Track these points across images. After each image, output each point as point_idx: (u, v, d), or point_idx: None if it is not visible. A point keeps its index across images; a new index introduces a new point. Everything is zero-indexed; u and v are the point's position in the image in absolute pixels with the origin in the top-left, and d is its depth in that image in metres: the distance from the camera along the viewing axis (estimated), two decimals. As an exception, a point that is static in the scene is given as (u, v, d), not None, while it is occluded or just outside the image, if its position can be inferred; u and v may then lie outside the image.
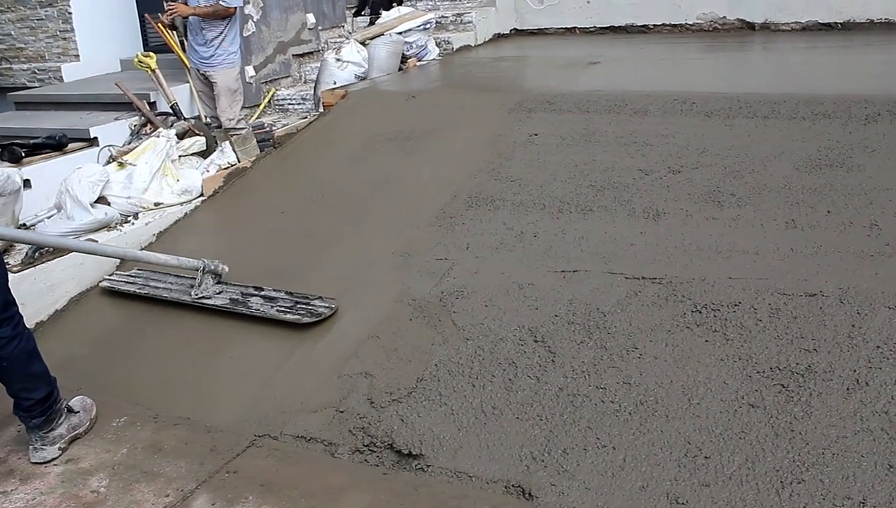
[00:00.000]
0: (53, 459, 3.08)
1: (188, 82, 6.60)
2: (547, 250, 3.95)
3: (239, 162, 5.50)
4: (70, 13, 7.93)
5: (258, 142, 5.67)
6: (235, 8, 6.01)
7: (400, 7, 7.96)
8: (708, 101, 5.09)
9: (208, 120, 6.38)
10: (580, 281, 3.67)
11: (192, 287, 4.14)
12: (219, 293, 4.10)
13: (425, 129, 5.42)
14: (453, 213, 4.40)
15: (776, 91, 5.20)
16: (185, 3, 5.99)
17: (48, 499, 2.81)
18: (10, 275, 4.12)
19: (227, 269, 4.19)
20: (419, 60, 7.32)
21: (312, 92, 7.03)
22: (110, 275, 4.48)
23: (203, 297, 4.07)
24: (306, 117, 6.39)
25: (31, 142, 5.51)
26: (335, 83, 6.66)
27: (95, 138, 5.82)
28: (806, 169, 4.27)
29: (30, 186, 5.10)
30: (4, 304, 3.08)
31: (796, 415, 2.82)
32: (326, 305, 3.82)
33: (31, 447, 3.13)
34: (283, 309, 3.84)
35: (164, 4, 6.17)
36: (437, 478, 2.82)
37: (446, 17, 8.28)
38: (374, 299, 3.83)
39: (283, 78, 7.58)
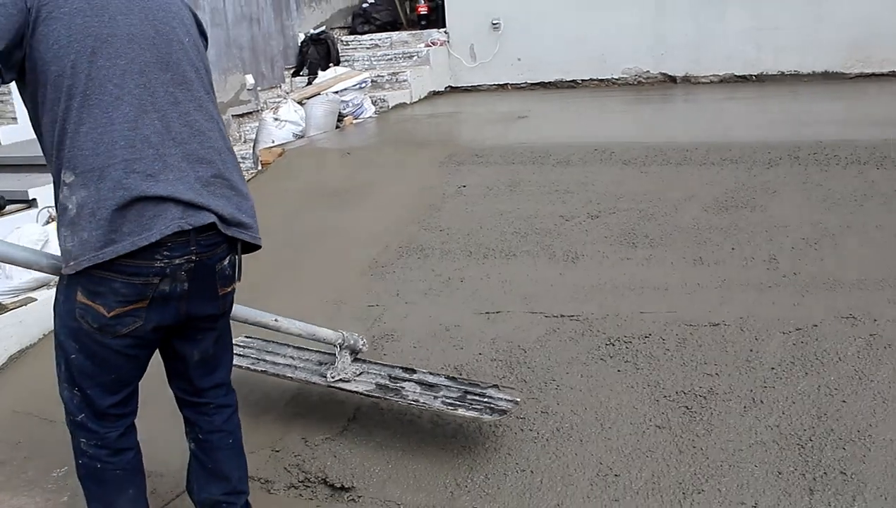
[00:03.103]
0: None
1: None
2: (472, 294, 4.17)
3: (179, 220, 5.64)
4: (7, 76, 8.03)
5: (198, 200, 5.83)
6: None
7: (336, 67, 8.25)
8: (626, 151, 5.42)
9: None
10: (503, 321, 3.89)
11: (321, 364, 3.48)
12: (358, 374, 3.37)
13: (359, 184, 5.65)
14: (385, 263, 4.61)
15: (689, 139, 5.55)
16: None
17: None
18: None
19: (366, 346, 3.48)
20: (356, 118, 7.59)
21: (252, 151, 7.23)
22: None
23: (341, 380, 3.33)
24: (245, 175, 6.57)
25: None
26: (273, 141, 6.88)
27: (34, 200, 5.92)
28: (713, 210, 4.58)
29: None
30: (227, 353, 2.73)
31: (698, 433, 3.06)
32: (509, 398, 3.11)
33: None
34: (450, 400, 3.12)
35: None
36: (366, 506, 2.98)
37: (382, 76, 8.58)
38: (308, 345, 4.00)
39: (223, 138, 7.78)
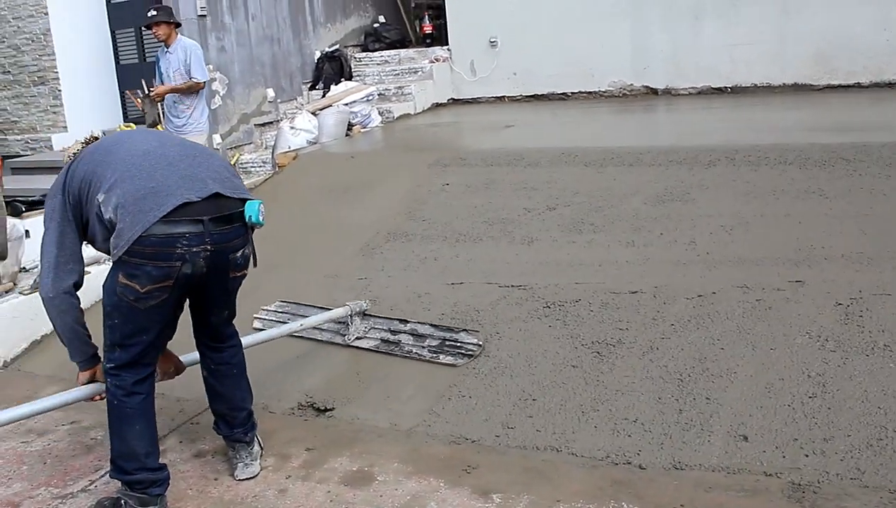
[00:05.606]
0: (257, 474, 3.44)
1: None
2: (443, 269, 5.05)
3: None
4: (60, 90, 9.18)
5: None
6: (205, 82, 7.15)
7: (347, 82, 9.18)
8: (588, 154, 6.27)
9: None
10: (464, 290, 4.76)
11: (340, 323, 4.50)
12: (368, 331, 4.48)
13: (360, 183, 6.56)
14: (374, 246, 5.50)
15: (643, 144, 6.40)
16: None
17: (60, 444, 3.82)
18: (21, 296, 5.23)
19: (369, 305, 4.57)
20: (363, 127, 8.51)
21: (271, 156, 8.17)
22: (258, 315, 4.86)
23: (357, 339, 4.45)
24: (263, 176, 7.52)
25: (30, 199, 6.59)
26: (289, 147, 7.81)
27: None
28: (652, 203, 5.42)
29: (29, 236, 6.14)
30: (234, 312, 3.42)
31: (603, 371, 3.90)
32: (475, 341, 4.21)
33: (239, 464, 3.43)
34: (433, 349, 4.24)
35: (144, 87, 7.32)
36: (341, 421, 3.86)
37: (389, 89, 9.51)
38: (307, 309, 4.90)
39: (246, 144, 8.74)
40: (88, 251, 5.52)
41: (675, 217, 5.21)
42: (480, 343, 4.22)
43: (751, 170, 5.67)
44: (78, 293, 3.16)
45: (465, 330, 4.33)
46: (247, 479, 3.39)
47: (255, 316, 4.90)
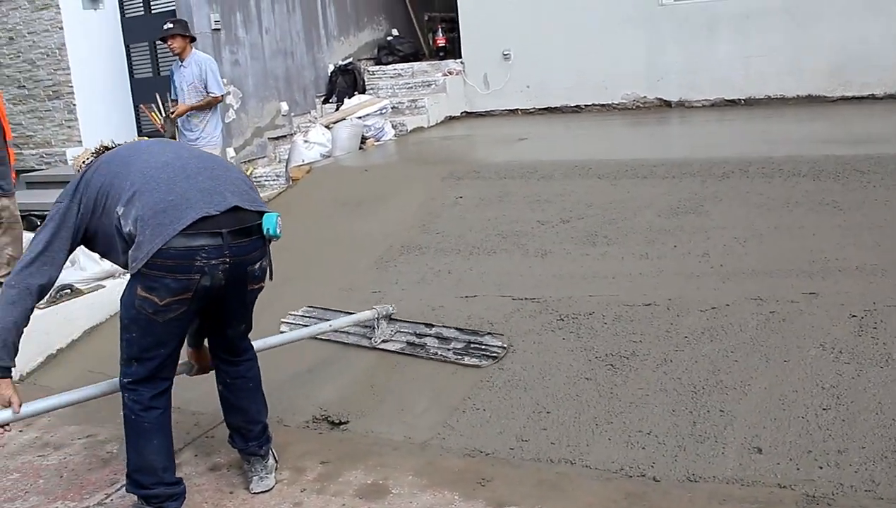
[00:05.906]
0: (272, 487, 3.45)
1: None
2: (457, 282, 5.06)
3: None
4: (74, 105, 9.27)
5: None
6: (222, 95, 7.25)
7: (360, 95, 9.24)
8: (601, 166, 6.28)
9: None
10: (478, 302, 4.77)
11: (366, 327, 4.60)
12: (394, 334, 4.57)
13: (374, 196, 6.59)
14: (388, 259, 5.52)
15: (657, 156, 6.41)
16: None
17: (76, 458, 3.85)
18: (37, 311, 5.27)
19: (395, 309, 4.64)
20: (377, 140, 8.55)
21: (285, 169, 8.22)
22: (285, 320, 4.98)
23: (383, 341, 4.54)
24: (277, 190, 7.56)
25: (45, 214, 6.65)
26: (303, 161, 7.86)
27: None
28: (665, 215, 5.42)
29: (46, 250, 6.21)
30: (251, 325, 3.44)
31: (616, 383, 3.90)
32: (499, 344, 4.30)
33: (254, 477, 3.44)
34: (458, 351, 4.33)
35: (158, 101, 7.40)
36: (355, 435, 3.87)
37: (402, 102, 9.55)
38: (321, 322, 4.92)
39: (259, 158, 8.80)
40: (103, 265, 5.61)
41: (688, 229, 5.21)
42: (505, 346, 4.29)
43: (764, 182, 5.67)
44: (39, 302, 3.12)
45: (489, 333, 4.40)
46: (262, 492, 3.41)
47: (282, 320, 5.01)
